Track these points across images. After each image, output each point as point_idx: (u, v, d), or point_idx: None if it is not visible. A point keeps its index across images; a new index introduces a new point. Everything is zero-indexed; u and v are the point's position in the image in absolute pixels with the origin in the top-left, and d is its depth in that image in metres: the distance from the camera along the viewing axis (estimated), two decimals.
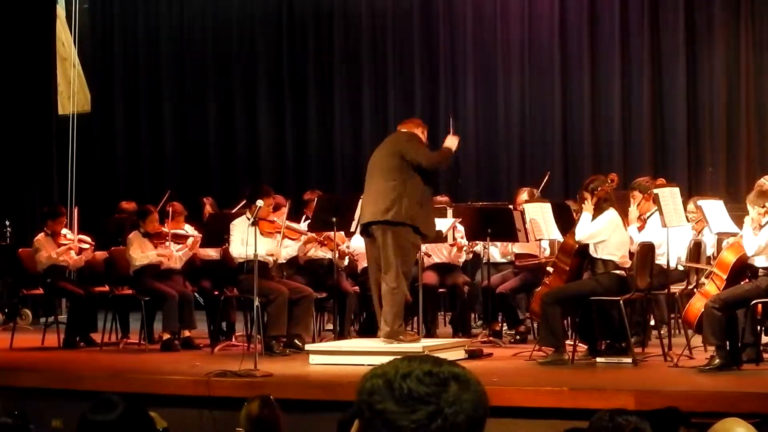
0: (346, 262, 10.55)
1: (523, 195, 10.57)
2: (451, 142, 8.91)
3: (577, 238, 8.62)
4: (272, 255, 9.64)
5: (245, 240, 9.34)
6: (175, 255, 10.28)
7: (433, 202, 9.18)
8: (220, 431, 7.41)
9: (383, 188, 8.46)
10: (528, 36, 14.14)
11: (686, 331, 8.93)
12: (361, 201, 8.90)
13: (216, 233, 9.96)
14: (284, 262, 10.21)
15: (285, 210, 10.11)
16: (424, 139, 8.76)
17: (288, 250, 10.07)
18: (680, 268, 9.18)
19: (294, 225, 10.19)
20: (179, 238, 10.35)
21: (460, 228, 10.43)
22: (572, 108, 13.96)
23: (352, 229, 9.67)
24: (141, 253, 10.15)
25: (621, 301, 8.36)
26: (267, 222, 9.58)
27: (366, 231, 8.65)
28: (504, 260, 10.70)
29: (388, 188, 8.43)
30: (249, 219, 9.10)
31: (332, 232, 9.76)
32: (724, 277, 8.24)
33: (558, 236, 9.47)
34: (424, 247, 9.87)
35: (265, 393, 5.88)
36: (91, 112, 14.38)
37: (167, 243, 10.23)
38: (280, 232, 9.73)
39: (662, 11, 13.52)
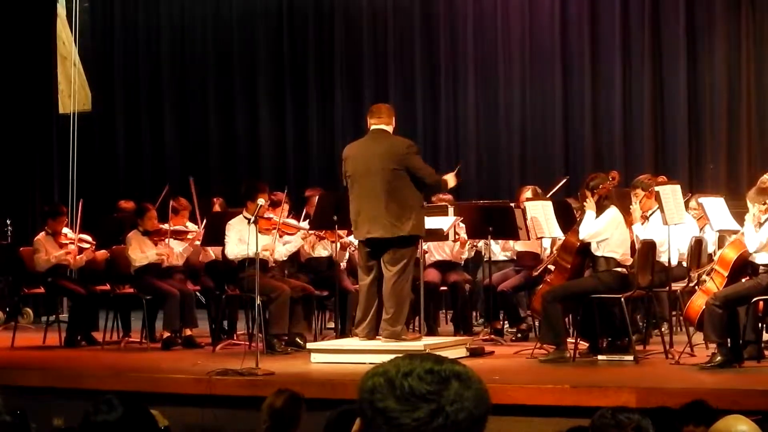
0: (347, 257, 10.53)
1: (527, 193, 10.52)
2: (451, 180, 8.96)
3: (582, 236, 8.60)
4: (267, 250, 9.58)
5: (243, 239, 9.34)
6: (175, 252, 10.27)
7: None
8: (222, 430, 7.41)
9: (388, 199, 8.36)
10: (529, 34, 14.12)
11: (687, 329, 8.93)
12: (359, 206, 8.58)
13: (217, 232, 9.95)
14: (285, 259, 10.21)
15: (285, 207, 10.10)
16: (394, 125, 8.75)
17: (288, 246, 10.06)
18: (684, 264, 9.16)
19: (290, 220, 10.18)
20: (179, 234, 10.34)
21: (461, 227, 10.40)
22: (573, 105, 13.93)
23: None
24: (140, 253, 10.14)
25: (622, 299, 8.36)
26: (264, 219, 9.56)
27: (368, 240, 8.54)
28: (504, 257, 10.69)
29: (394, 200, 8.36)
30: (247, 218, 9.09)
31: (333, 231, 9.75)
32: (726, 274, 8.23)
33: (559, 234, 9.44)
34: (425, 245, 9.86)
35: (295, 390, 5.74)
36: (91, 110, 14.37)
37: (167, 240, 10.22)
38: (276, 228, 9.73)
39: (663, 7, 13.50)
